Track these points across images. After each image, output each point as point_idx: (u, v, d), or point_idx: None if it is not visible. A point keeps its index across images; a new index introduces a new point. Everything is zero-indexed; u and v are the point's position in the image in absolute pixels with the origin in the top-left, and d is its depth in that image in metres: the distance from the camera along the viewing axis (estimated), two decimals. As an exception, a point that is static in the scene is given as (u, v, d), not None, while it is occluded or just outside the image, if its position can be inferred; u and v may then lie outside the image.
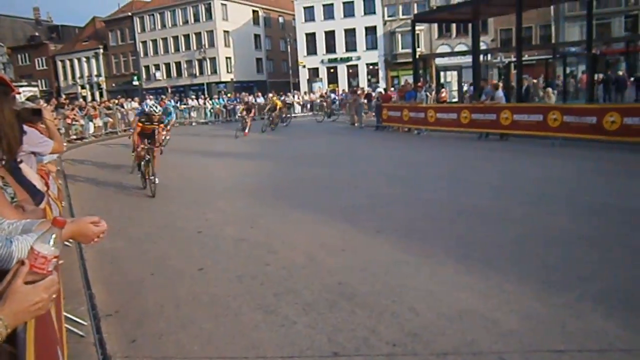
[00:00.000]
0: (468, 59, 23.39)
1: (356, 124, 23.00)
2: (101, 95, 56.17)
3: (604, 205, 6.86)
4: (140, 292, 4.69)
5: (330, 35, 47.04)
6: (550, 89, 18.23)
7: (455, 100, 24.56)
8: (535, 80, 23.97)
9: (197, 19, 53.02)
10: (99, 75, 59.36)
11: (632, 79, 23.75)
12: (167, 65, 55.58)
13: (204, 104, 32.33)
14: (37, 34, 64.44)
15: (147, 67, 56.75)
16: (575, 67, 28.60)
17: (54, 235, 1.30)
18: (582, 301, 3.97)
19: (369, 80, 45.19)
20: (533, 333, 3.52)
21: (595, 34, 27.04)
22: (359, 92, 26.80)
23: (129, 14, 56.48)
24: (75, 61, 60.54)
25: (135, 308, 4.34)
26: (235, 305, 4.27)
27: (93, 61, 59.44)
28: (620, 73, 24.52)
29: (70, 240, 4.94)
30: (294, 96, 34.95)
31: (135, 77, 56.42)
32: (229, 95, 36.61)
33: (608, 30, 38.50)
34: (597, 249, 5.15)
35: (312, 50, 47.69)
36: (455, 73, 27.59)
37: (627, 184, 8.26)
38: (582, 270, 4.61)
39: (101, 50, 58.74)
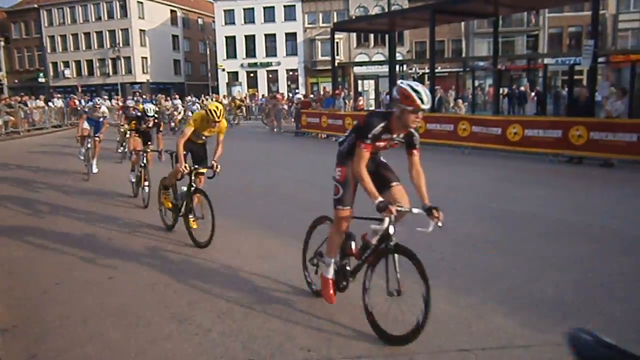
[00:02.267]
0: (385, 69, 24.17)
1: (275, 130, 23.01)
2: (1, 91, 52.23)
3: (506, 212, 7.33)
4: (43, 304, 4.40)
5: (250, 40, 46.79)
6: (460, 101, 19.23)
7: (372, 108, 25.23)
8: (448, 92, 25.16)
9: (111, 16, 50.80)
10: (-1, 69, 55.25)
11: (532, 93, 25.56)
12: (78, 62, 52.73)
13: (117, 104, 30.94)
14: None
15: (54, 64, 53.50)
16: (483, 80, 30.35)
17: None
18: (486, 302, 4.22)
19: (288, 86, 45.39)
20: (441, 334, 3.69)
21: (500, 50, 28.87)
22: (278, 97, 26.84)
23: (35, 5, 53.00)
24: (-28, 54, 55.96)
25: (36, 321, 4.07)
26: (147, 314, 4.13)
27: (-7, 54, 55.24)
28: (523, 88, 26.32)
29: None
30: (212, 99, 34.26)
31: (41, 74, 53.02)
32: (144, 96, 35.34)
33: (512, 48, 41.25)
34: (500, 253, 5.48)
35: (231, 53, 47.18)
36: (372, 82, 28.37)
37: (527, 191, 8.87)
38: (486, 274, 4.89)
39: (2, 43, 54.62)
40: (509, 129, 12.87)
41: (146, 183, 8.29)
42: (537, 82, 26.74)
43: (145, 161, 8.42)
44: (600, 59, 16.44)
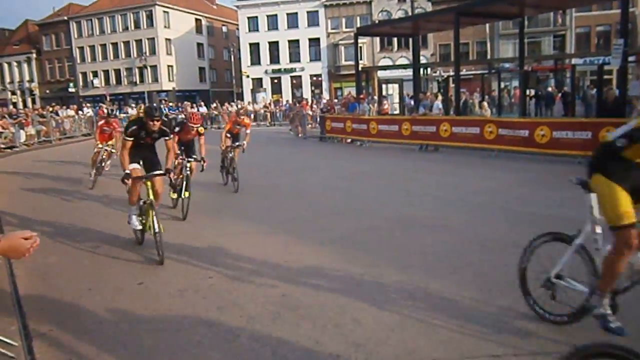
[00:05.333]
0: (409, 72, 24.08)
1: (300, 135, 23.10)
2: (34, 102, 53.68)
3: (534, 215, 7.20)
4: (77, 309, 4.50)
5: (274, 46, 47.12)
6: (485, 103, 19.02)
7: (397, 112, 25.15)
8: (474, 95, 24.90)
9: (137, 26, 51.79)
10: (31, 81, 56.70)
11: (560, 94, 25.12)
12: (106, 72, 53.85)
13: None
14: (-38, 35, 60.94)
15: (84, 74, 54.74)
16: (509, 82, 29.96)
17: (-16, 254, 1.25)
18: (516, 307, 4.15)
19: (312, 91, 45.54)
20: (471, 339, 3.65)
21: (526, 51, 28.47)
22: (303, 103, 26.98)
23: (65, 18, 54.38)
24: (5, 65, 57.60)
25: (71, 326, 4.16)
26: (177, 320, 4.18)
27: (25, 66, 56.78)
28: (550, 89, 25.90)
29: None
30: (237, 106, 34.62)
31: (72, 84, 54.32)
32: (171, 104, 35.91)
33: (538, 48, 40.64)
34: (530, 256, 5.38)
35: (255, 60, 47.58)
36: (396, 86, 28.29)
37: (556, 194, 8.70)
38: (515, 277, 4.80)
39: (34, 55, 56.19)
40: (536, 131, 12.66)
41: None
42: (565, 83, 26.27)
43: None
44: (631, 58, 16.05)
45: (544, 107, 24.36)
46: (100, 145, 11.56)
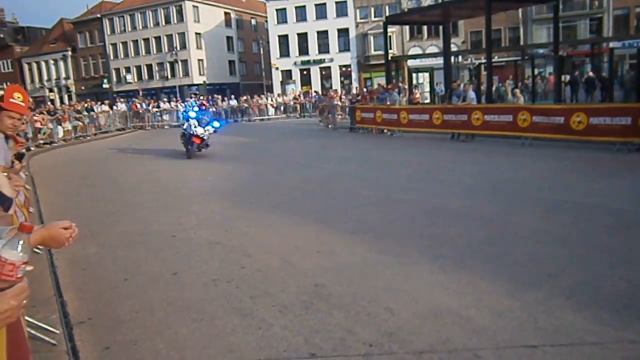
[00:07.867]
0: (439, 61, 23.72)
1: (330, 126, 23.06)
2: (70, 98, 55.04)
3: (571, 204, 7.03)
4: (114, 299, 4.62)
5: (302, 38, 47.08)
6: (518, 91, 18.61)
7: (428, 101, 24.84)
8: (506, 82, 24.42)
9: (168, 21, 52.43)
10: (67, 78, 58.11)
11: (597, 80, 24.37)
12: (138, 67, 54.78)
13: (177, 106, 31.96)
14: (1, 35, 62.64)
15: (117, 70, 55.81)
16: (543, 68, 29.21)
17: (21, 241, 1.28)
18: (552, 297, 4.06)
19: (342, 82, 45.36)
20: (506, 329, 3.59)
21: (561, 36, 27.70)
22: (331, 93, 26.90)
23: (98, 15, 55.47)
24: (43, 63, 59.13)
25: (109, 315, 4.27)
26: (211, 309, 4.24)
27: (61, 63, 58.19)
28: (591, 74, 25.14)
29: (40, 247, 4.84)
30: (267, 98, 34.81)
31: (105, 80, 55.49)
32: (201, 97, 36.32)
33: (574, 33, 39.48)
34: (565, 246, 5.27)
35: (285, 52, 47.65)
36: (427, 74, 27.92)
37: (593, 182, 8.48)
38: (551, 267, 4.71)
39: (69, 53, 57.54)
40: (572, 117, 12.31)
41: None
42: (603, 67, 25.49)
43: None
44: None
45: (583, 93, 23.69)
46: None
